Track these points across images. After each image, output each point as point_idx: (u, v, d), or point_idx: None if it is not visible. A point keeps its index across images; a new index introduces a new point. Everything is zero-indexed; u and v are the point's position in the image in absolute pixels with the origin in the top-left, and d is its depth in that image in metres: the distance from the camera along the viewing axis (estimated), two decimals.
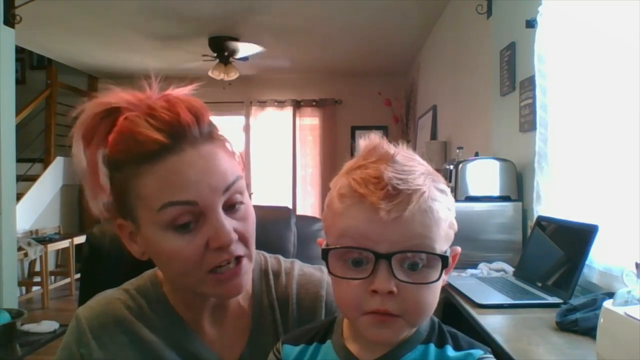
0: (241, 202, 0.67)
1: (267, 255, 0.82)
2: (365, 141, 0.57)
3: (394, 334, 0.54)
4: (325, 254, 0.54)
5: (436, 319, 0.59)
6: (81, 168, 0.67)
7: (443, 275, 0.54)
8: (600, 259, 1.56)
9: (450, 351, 0.55)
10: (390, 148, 0.55)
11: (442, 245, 0.53)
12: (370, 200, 0.51)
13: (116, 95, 0.67)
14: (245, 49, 4.83)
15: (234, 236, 0.64)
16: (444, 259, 0.52)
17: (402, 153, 0.55)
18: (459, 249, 0.58)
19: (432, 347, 0.56)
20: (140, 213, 0.65)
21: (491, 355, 0.55)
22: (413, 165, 0.54)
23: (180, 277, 0.68)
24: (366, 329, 0.53)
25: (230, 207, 0.66)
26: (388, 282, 0.50)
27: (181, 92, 0.68)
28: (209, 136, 0.65)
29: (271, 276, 0.79)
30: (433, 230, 0.52)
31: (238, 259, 0.66)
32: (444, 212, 0.53)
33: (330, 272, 0.54)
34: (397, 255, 0.50)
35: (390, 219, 0.50)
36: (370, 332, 0.53)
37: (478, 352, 0.55)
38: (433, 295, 0.53)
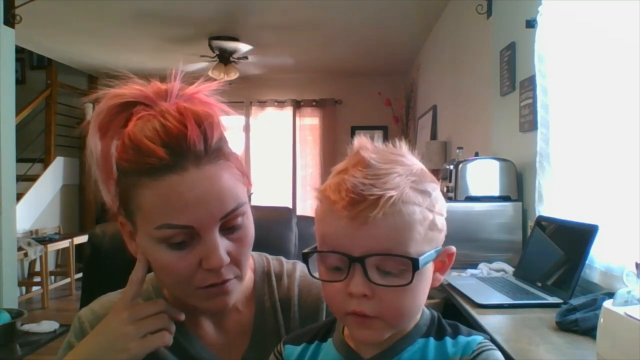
0: (240, 225, 0.66)
1: (270, 257, 0.82)
2: (355, 143, 0.57)
3: (375, 335, 0.54)
4: (304, 257, 0.57)
5: (436, 313, 0.60)
6: (95, 157, 0.67)
7: (429, 275, 0.55)
8: (601, 258, 1.56)
9: (449, 342, 0.56)
10: (369, 151, 0.55)
11: (420, 247, 0.52)
12: (337, 207, 0.52)
13: (135, 88, 0.67)
14: (244, 49, 4.83)
15: (226, 260, 0.64)
16: (413, 262, 0.51)
17: (385, 154, 0.55)
18: (452, 248, 0.58)
19: (431, 340, 0.57)
20: (138, 221, 0.65)
21: (490, 343, 0.56)
22: (390, 168, 0.53)
23: (170, 287, 0.71)
24: (351, 329, 0.56)
25: (228, 229, 0.65)
26: (362, 285, 0.51)
27: (203, 89, 0.68)
28: (215, 154, 0.63)
29: (273, 278, 0.79)
30: (404, 234, 0.51)
31: (226, 280, 0.66)
32: (421, 213, 0.52)
33: (311, 275, 0.57)
34: (371, 258, 0.51)
35: (358, 225, 0.51)
36: (354, 332, 0.56)
37: (477, 339, 0.56)
38: (411, 298, 0.54)
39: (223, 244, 0.64)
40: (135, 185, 0.63)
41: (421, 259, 0.52)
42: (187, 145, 0.61)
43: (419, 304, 0.56)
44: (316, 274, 0.57)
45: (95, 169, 0.67)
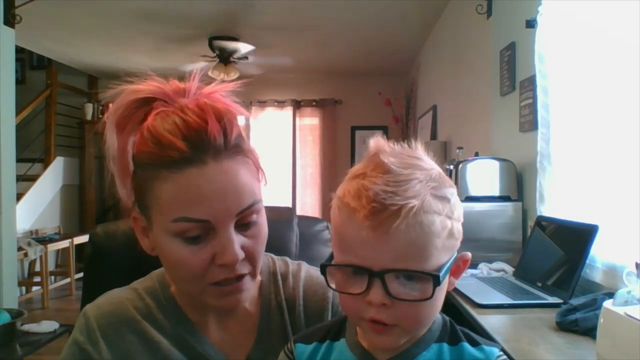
0: (254, 222, 0.66)
1: (275, 257, 0.82)
2: (371, 144, 0.56)
3: (392, 341, 0.54)
4: (322, 270, 0.56)
5: (447, 318, 0.59)
6: (112, 153, 0.67)
7: (446, 282, 0.54)
8: (602, 258, 1.56)
9: (468, 348, 0.56)
10: (388, 154, 0.53)
11: (440, 257, 0.52)
12: (358, 215, 0.50)
13: (154, 85, 0.67)
14: (244, 49, 4.83)
15: (241, 255, 0.64)
16: (434, 278, 0.50)
17: (403, 158, 0.53)
18: (468, 255, 0.57)
19: (445, 346, 0.56)
20: (154, 215, 0.65)
21: (505, 356, 0.56)
22: (410, 173, 0.51)
23: (182, 283, 0.70)
24: (367, 334, 0.56)
25: (243, 225, 0.65)
26: (382, 296, 0.50)
27: (220, 89, 0.69)
28: (234, 150, 0.64)
29: (279, 278, 0.79)
30: (425, 246, 0.50)
31: (241, 276, 0.66)
32: (441, 223, 0.51)
33: (329, 286, 0.56)
34: (391, 273, 0.50)
35: (379, 235, 0.49)
36: (371, 338, 0.55)
37: (495, 351, 0.55)
38: (430, 308, 0.53)
39: (238, 240, 0.64)
40: (153, 178, 0.63)
41: (442, 274, 0.51)
42: (207, 139, 0.61)
43: (437, 310, 0.56)
44: (333, 283, 0.56)
45: (112, 164, 0.68)
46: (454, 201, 0.54)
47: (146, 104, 0.66)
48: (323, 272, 0.56)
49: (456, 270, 0.57)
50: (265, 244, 0.69)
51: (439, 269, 0.51)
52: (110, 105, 0.68)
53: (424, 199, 0.50)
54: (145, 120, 0.65)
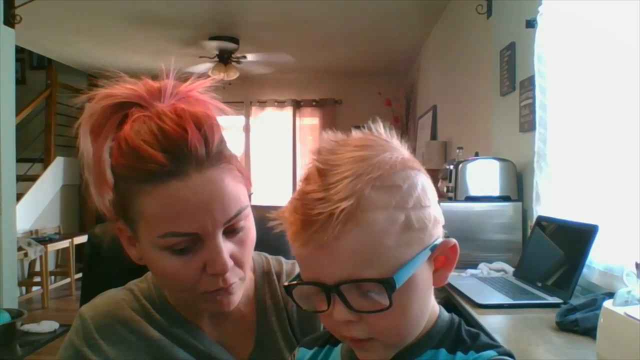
0: (242, 227, 0.65)
1: (269, 257, 0.82)
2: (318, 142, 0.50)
3: (377, 355, 0.50)
4: (287, 291, 0.51)
5: (457, 320, 0.54)
6: (87, 162, 0.65)
7: (423, 279, 0.49)
8: (600, 258, 1.56)
9: (459, 358, 0.49)
10: (326, 152, 0.49)
11: (401, 255, 0.46)
12: (290, 232, 0.47)
13: (128, 88, 0.65)
14: (244, 49, 4.83)
15: (230, 263, 0.63)
16: (386, 284, 0.44)
17: (344, 151, 0.48)
18: (452, 241, 0.50)
19: (442, 352, 0.50)
20: (139, 229, 0.63)
21: (507, 358, 0.49)
22: (346, 170, 0.46)
23: (175, 292, 0.70)
24: (354, 350, 0.52)
25: (231, 231, 0.64)
26: (345, 312, 0.46)
27: (196, 86, 0.67)
28: (217, 158, 0.62)
29: (274, 277, 0.78)
30: (373, 248, 0.45)
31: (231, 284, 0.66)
32: (387, 219, 0.45)
33: (298, 306, 0.52)
34: (345, 285, 0.45)
35: (313, 250, 0.45)
36: (358, 354, 0.52)
37: (488, 354, 0.49)
38: (402, 315, 0.48)
39: (226, 247, 0.63)
40: (135, 192, 0.61)
41: (397, 276, 0.45)
42: (188, 150, 0.59)
43: (417, 314, 0.49)
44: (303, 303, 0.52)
45: (88, 173, 0.65)
46: (407, 187, 0.47)
47: (121, 108, 0.64)
48: (289, 293, 0.51)
49: (445, 261, 0.51)
50: (253, 246, 0.69)
51: (400, 268, 0.45)
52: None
53: (361, 197, 0.44)
54: (121, 126, 0.63)
